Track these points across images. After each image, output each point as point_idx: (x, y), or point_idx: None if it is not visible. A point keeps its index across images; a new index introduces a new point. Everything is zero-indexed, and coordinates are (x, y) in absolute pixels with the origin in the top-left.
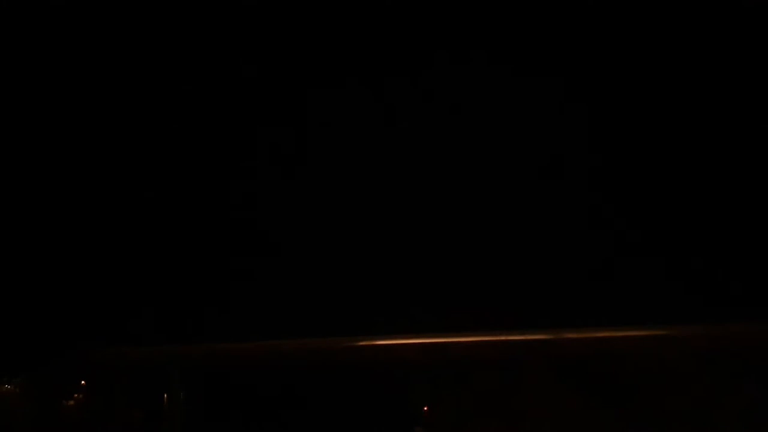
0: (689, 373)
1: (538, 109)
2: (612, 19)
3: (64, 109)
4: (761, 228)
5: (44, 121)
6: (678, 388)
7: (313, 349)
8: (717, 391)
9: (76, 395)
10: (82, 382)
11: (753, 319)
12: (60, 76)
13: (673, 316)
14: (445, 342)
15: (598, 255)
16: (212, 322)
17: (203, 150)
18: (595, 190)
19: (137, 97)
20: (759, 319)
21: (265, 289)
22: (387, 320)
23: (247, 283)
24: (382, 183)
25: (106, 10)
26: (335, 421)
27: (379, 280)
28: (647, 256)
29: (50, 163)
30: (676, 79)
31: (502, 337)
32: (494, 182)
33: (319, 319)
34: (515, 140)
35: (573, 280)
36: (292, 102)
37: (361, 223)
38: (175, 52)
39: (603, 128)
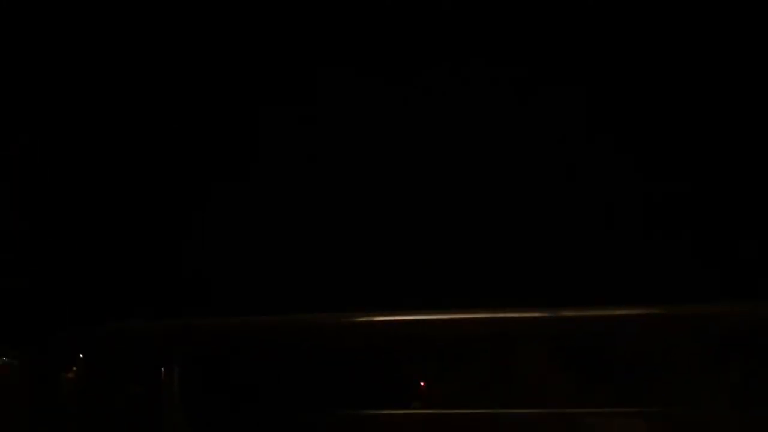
0: (684, 351)
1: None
2: (618, 21)
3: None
4: (754, 215)
5: (34, 115)
6: (674, 366)
7: (311, 325)
8: (711, 368)
9: (73, 369)
10: (80, 356)
11: (747, 299)
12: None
13: (669, 296)
14: (442, 319)
15: (594, 234)
16: (210, 298)
17: (194, 131)
18: (591, 169)
19: (135, 93)
20: (752, 299)
21: (263, 265)
22: (384, 297)
23: (245, 258)
24: (378, 160)
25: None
26: (333, 396)
27: (376, 257)
28: (643, 235)
29: (45, 152)
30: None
31: (499, 315)
32: (489, 160)
33: (316, 295)
34: (508, 121)
35: (570, 259)
36: (285, 92)
37: (357, 198)
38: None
39: (597, 115)
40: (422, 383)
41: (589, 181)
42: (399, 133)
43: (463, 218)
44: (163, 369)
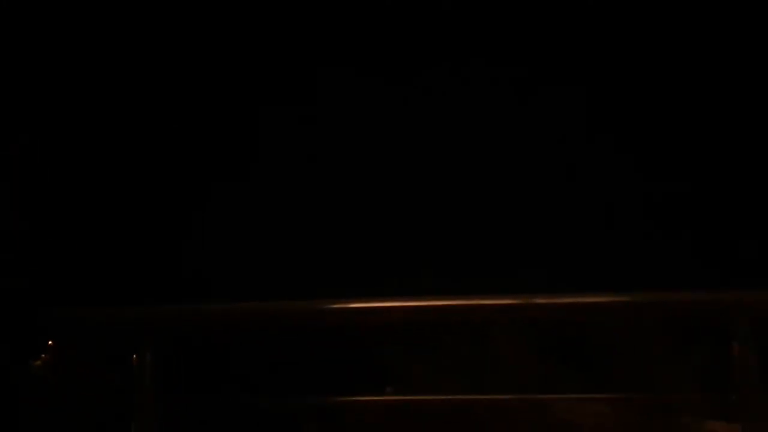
0: (653, 337)
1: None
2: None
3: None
4: (727, 204)
5: (34, 115)
6: (643, 352)
7: (285, 311)
8: (679, 354)
9: (42, 355)
10: (49, 342)
11: (717, 287)
12: None
13: (639, 283)
14: (417, 305)
15: (567, 224)
16: (183, 283)
17: (193, 131)
18: (568, 158)
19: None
20: (722, 287)
21: (238, 251)
22: (358, 283)
23: (220, 244)
24: (377, 159)
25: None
26: (306, 382)
27: (351, 244)
28: (615, 224)
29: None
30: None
31: (474, 301)
32: (488, 160)
33: (291, 282)
34: (508, 121)
35: (544, 247)
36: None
37: (334, 185)
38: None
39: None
40: (396, 369)
41: (589, 180)
42: (399, 132)
43: (458, 213)
44: (135, 356)
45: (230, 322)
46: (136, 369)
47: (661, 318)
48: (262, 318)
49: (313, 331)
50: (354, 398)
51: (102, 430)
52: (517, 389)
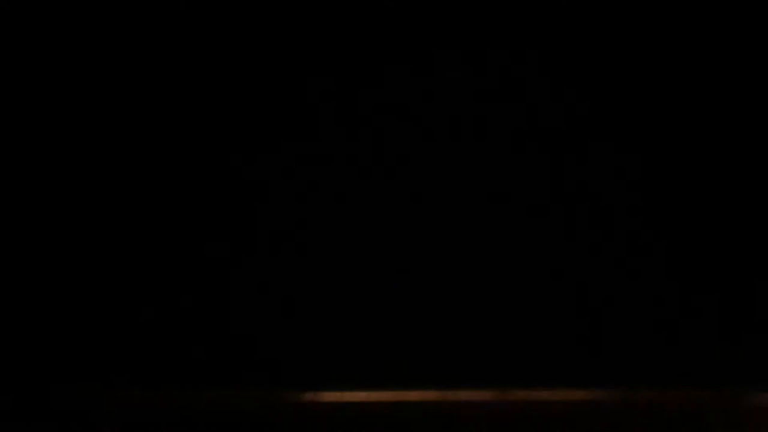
0: None
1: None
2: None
3: None
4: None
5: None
6: None
7: (249, 403)
8: None
9: None
10: None
11: (693, 385)
12: None
13: (616, 380)
14: (391, 400)
15: (543, 318)
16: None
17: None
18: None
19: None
20: (699, 386)
21: (195, 339)
22: (331, 375)
23: (177, 328)
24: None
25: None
26: None
27: (321, 334)
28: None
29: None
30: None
31: (449, 397)
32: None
33: (258, 372)
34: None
35: (519, 341)
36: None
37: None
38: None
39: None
40: None
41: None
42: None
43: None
44: None
45: (187, 412)
46: None
47: (635, 416)
48: (225, 409)
49: (281, 423)
50: None
51: None
52: None
